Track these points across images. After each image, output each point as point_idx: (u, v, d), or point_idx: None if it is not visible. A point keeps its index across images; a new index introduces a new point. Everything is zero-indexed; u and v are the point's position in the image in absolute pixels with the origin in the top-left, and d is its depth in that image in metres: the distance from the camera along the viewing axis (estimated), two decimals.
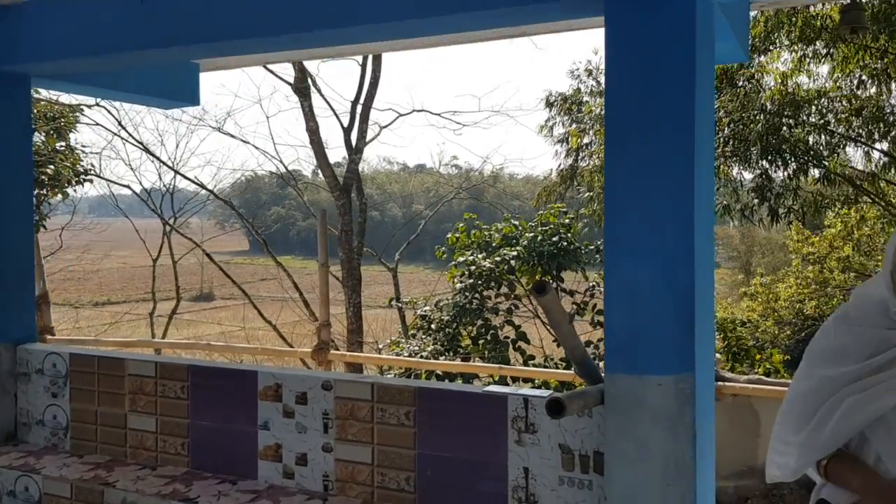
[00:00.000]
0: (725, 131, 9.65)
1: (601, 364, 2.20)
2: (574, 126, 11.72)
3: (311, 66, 10.16)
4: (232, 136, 13.81)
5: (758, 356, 10.37)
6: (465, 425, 2.34)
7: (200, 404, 2.80)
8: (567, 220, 8.55)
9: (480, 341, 8.36)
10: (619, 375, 2.01)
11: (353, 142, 10.07)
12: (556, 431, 2.20)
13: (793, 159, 9.39)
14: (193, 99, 3.80)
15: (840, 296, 13.97)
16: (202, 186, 11.89)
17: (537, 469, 2.22)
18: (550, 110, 12.04)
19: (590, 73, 12.03)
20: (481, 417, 2.30)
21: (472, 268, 8.54)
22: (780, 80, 9.74)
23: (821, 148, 9.65)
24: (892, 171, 9.15)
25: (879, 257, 12.21)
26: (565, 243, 8.33)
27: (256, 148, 19.19)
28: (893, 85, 9.43)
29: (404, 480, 2.42)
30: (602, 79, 12.09)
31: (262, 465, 2.68)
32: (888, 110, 9.45)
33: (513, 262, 8.42)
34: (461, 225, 9.13)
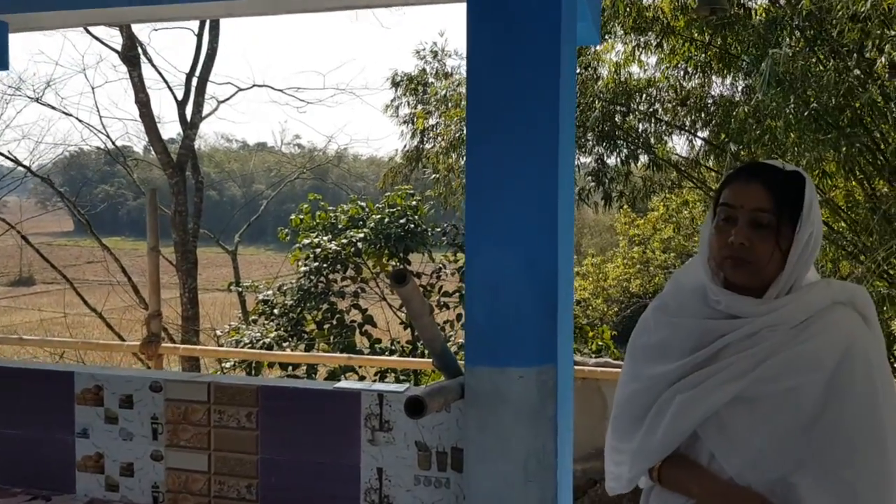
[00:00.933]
0: None
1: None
2: (420, 107, 11.65)
3: (142, 34, 9.42)
4: (52, 107, 12.54)
5: (591, 333, 10.81)
6: (313, 426, 2.16)
7: (5, 410, 2.44)
8: (414, 203, 8.47)
9: (326, 326, 8.15)
10: (479, 368, 1.90)
11: (188, 116, 9.45)
12: (413, 428, 2.07)
13: (625, 145, 9.78)
14: (1, 62, 3.32)
15: (662, 274, 14.88)
16: (17, 162, 10.77)
17: (392, 469, 2.09)
18: (396, 90, 11.89)
19: (435, 54, 11.98)
20: (332, 416, 2.14)
21: (318, 250, 8.29)
22: (614, 70, 10.11)
23: (649, 135, 10.11)
24: (712, 158, 9.73)
25: (697, 239, 13.05)
26: (412, 225, 8.25)
27: (80, 121, 17.56)
28: (714, 77, 10.01)
29: (245, 488, 2.21)
30: (448, 61, 12.08)
31: (80, 478, 2.37)
32: (710, 101, 10.04)
33: (359, 244, 8.26)
34: (305, 206, 8.84)
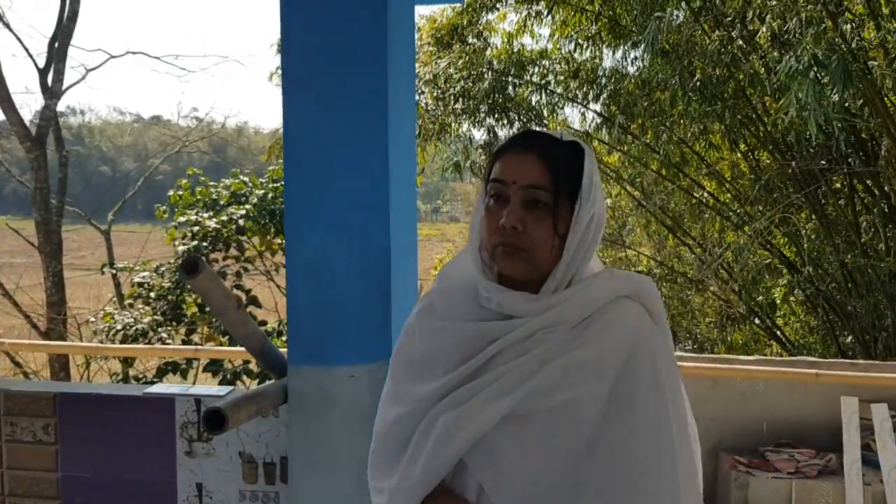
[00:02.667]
0: (457, 88, 9.69)
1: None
2: None
3: None
4: None
5: None
6: (122, 437, 1.87)
7: None
8: None
9: (208, 309, 7.73)
10: (303, 368, 1.66)
11: (50, 84, 8.71)
12: (235, 437, 1.81)
13: (517, 118, 9.66)
14: None
15: None
16: None
17: (214, 484, 1.82)
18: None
19: None
20: (143, 426, 1.85)
21: (196, 228, 7.84)
22: (506, 40, 9.95)
23: (542, 107, 10.02)
24: (604, 130, 9.73)
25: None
26: None
27: None
28: (605, 49, 9.99)
29: None
30: None
31: None
32: (601, 73, 10.02)
33: (242, 221, 7.88)
34: (185, 181, 8.35)
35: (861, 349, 7.43)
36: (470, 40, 10.15)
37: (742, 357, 3.63)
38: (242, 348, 4.72)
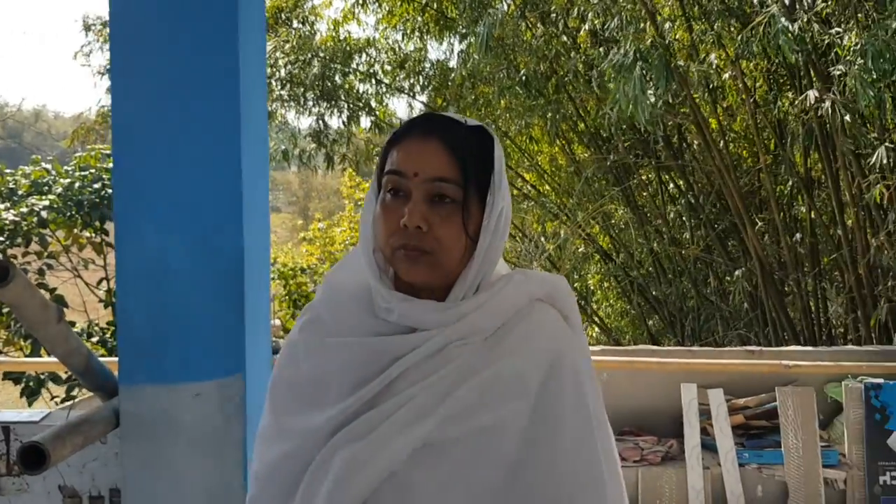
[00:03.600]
0: (282, 73, 9.36)
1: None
2: None
3: None
4: None
5: None
6: None
7: None
8: (111, 164, 7.44)
9: (5, 311, 6.94)
10: (138, 387, 1.43)
11: None
12: (54, 469, 1.54)
13: (346, 107, 9.48)
14: None
15: None
16: None
17: None
18: (87, 34, 10.44)
19: None
20: None
21: None
22: (332, 27, 9.73)
23: (370, 97, 9.91)
24: None
25: None
26: (111, 190, 7.26)
27: None
28: (429, 40, 10.02)
29: None
30: None
31: None
32: (427, 65, 10.05)
33: (45, 213, 7.14)
34: None
35: (669, 332, 7.97)
36: (296, 24, 9.83)
37: (590, 348, 3.72)
38: (49, 358, 4.22)
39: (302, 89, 9.17)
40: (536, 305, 1.13)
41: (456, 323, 1.06)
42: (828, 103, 4.55)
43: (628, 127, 7.15)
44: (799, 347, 4.22)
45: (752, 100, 6.36)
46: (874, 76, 4.34)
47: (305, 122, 9.84)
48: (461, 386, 1.04)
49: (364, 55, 10.07)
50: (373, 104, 9.93)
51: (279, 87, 9.16)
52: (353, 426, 1.03)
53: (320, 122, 9.23)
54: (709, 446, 3.13)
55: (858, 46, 4.49)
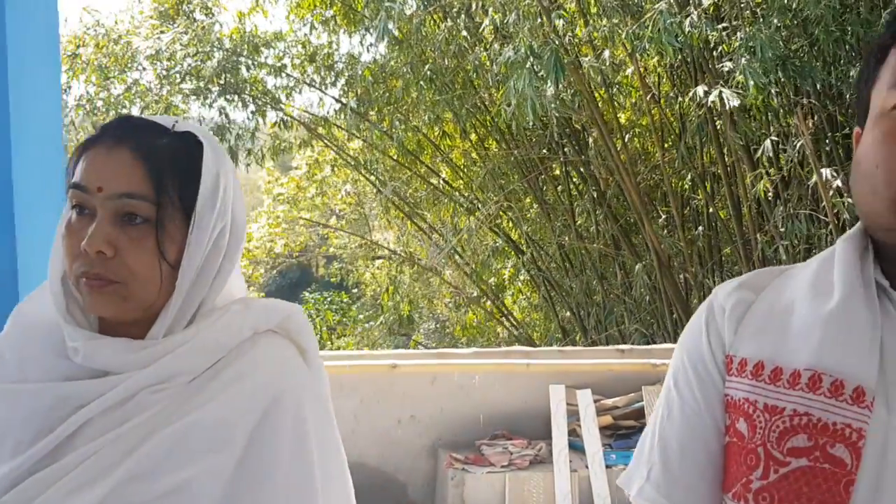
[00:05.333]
0: (184, 66, 9.05)
1: None
2: None
3: None
4: None
5: None
6: None
7: None
8: None
9: None
10: None
11: None
12: None
13: (252, 100, 9.23)
14: None
15: (307, 233, 14.77)
16: None
17: None
18: None
19: None
20: None
21: None
22: (239, 19, 9.45)
23: (278, 91, 9.68)
24: (343, 116, 9.61)
25: (339, 199, 13.04)
26: None
27: None
28: (343, 34, 9.84)
29: None
30: None
31: None
32: (338, 58, 9.87)
33: None
34: None
35: (577, 323, 8.04)
36: (197, 16, 9.51)
37: (460, 350, 3.66)
38: None
39: (203, 82, 8.88)
40: (263, 339, 0.99)
41: (152, 365, 0.92)
42: (713, 97, 4.61)
43: (538, 122, 7.17)
44: (669, 345, 4.26)
45: (650, 96, 6.43)
46: (759, 71, 4.42)
47: (207, 114, 9.54)
48: (150, 439, 0.89)
49: (272, 48, 9.82)
50: (283, 98, 9.70)
51: (179, 80, 8.85)
52: (23, 487, 0.87)
53: (223, 116, 8.94)
54: (578, 448, 3.11)
55: (745, 42, 4.56)
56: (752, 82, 4.21)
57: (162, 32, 9.12)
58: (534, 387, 3.13)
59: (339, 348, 11.06)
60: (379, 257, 11.72)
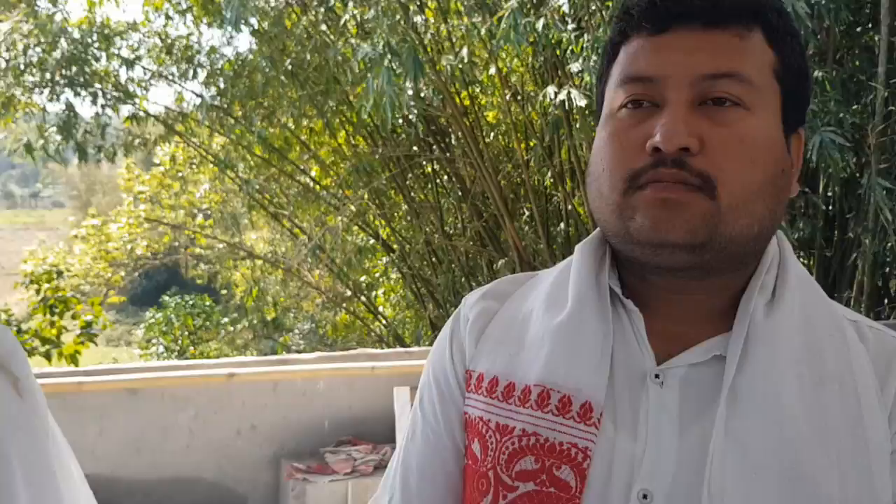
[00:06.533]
0: (26, 57, 8.42)
1: None
2: None
3: None
4: None
5: (79, 306, 9.67)
6: None
7: None
8: None
9: None
10: None
11: None
12: None
13: (102, 94, 8.72)
14: None
15: (171, 233, 14.18)
16: None
17: None
18: None
19: None
20: None
21: None
22: (88, 8, 8.91)
23: (133, 84, 9.20)
24: (203, 111, 9.25)
25: (204, 198, 12.59)
26: None
27: None
28: (204, 26, 9.47)
29: None
30: None
31: None
32: (197, 50, 9.48)
33: None
34: None
35: (445, 320, 8.07)
36: (41, 3, 8.89)
37: (303, 356, 3.56)
38: None
39: (49, 74, 8.30)
40: None
41: None
42: (561, 96, 4.70)
43: (405, 120, 7.12)
44: None
45: (511, 95, 6.52)
46: None
47: (55, 111, 8.92)
48: None
49: (125, 39, 9.33)
50: (137, 92, 9.23)
51: (20, 72, 8.24)
52: None
53: (69, 110, 8.40)
54: None
55: (591, 43, 4.67)
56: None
57: (0, 21, 8.49)
58: (379, 390, 3.07)
59: (202, 353, 10.65)
60: (248, 257, 11.39)
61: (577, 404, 0.71)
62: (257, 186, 8.80)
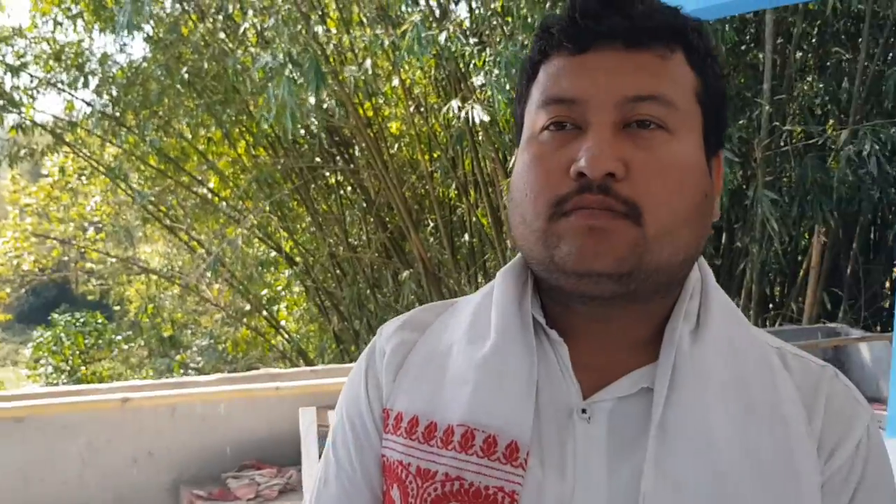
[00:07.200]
0: None
1: None
2: None
3: None
4: None
5: None
6: None
7: None
8: None
9: None
10: None
11: None
12: None
13: None
14: None
15: (60, 248, 13.49)
16: None
17: None
18: None
19: None
20: None
21: None
22: None
23: (18, 92, 8.71)
24: (94, 120, 8.84)
25: (95, 210, 12.06)
26: None
27: None
28: (96, 32, 9.06)
29: None
30: None
31: None
32: (89, 57, 9.08)
33: None
34: None
35: (350, 334, 7.99)
36: None
37: (202, 378, 3.43)
38: None
39: None
40: None
41: None
42: (464, 112, 4.74)
43: (307, 130, 7.01)
44: None
45: (412, 106, 6.52)
46: (507, 85, 4.59)
47: None
48: None
49: (10, 45, 8.86)
50: (23, 100, 8.75)
51: None
52: None
53: None
54: None
55: (493, 57, 4.73)
56: (500, 97, 4.36)
57: None
58: (284, 411, 2.98)
59: (94, 373, 10.15)
60: (143, 272, 10.94)
61: (503, 444, 0.67)
62: (152, 198, 8.49)
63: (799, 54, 6.12)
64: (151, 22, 7.26)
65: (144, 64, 7.66)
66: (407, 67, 6.49)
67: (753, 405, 0.68)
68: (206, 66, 7.21)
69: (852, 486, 0.68)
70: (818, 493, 0.67)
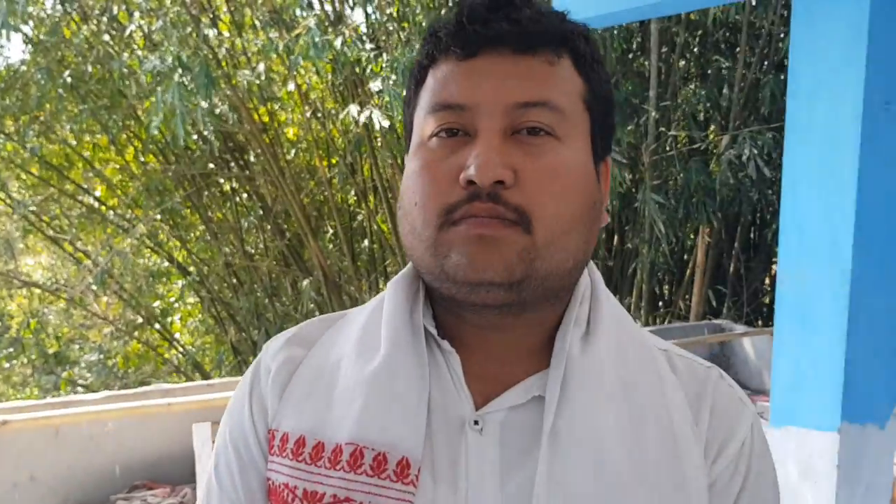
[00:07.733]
0: None
1: None
2: None
3: None
4: None
5: None
6: None
7: None
8: None
9: None
10: None
11: None
12: None
13: None
14: None
15: None
16: None
17: None
18: None
19: None
20: None
21: None
22: None
23: None
24: None
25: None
26: None
27: None
28: None
29: None
30: None
31: None
32: None
33: None
34: None
35: (248, 344, 7.80)
36: None
37: (88, 396, 3.26)
38: None
39: None
40: None
41: None
42: (363, 117, 4.72)
43: (199, 136, 6.80)
44: None
45: (309, 112, 6.44)
46: (403, 91, 4.59)
47: None
48: None
49: None
50: None
51: None
52: None
53: None
54: None
55: (390, 63, 4.73)
56: (396, 102, 4.37)
57: None
58: (177, 427, 2.87)
59: None
60: (24, 286, 10.33)
61: (394, 461, 0.66)
62: (33, 208, 8.04)
63: (682, 63, 6.40)
64: (31, 23, 6.89)
65: (23, 67, 7.26)
66: (302, 72, 6.40)
67: (642, 410, 0.69)
68: (90, 69, 6.89)
69: (738, 483, 0.70)
70: (706, 495, 0.68)
